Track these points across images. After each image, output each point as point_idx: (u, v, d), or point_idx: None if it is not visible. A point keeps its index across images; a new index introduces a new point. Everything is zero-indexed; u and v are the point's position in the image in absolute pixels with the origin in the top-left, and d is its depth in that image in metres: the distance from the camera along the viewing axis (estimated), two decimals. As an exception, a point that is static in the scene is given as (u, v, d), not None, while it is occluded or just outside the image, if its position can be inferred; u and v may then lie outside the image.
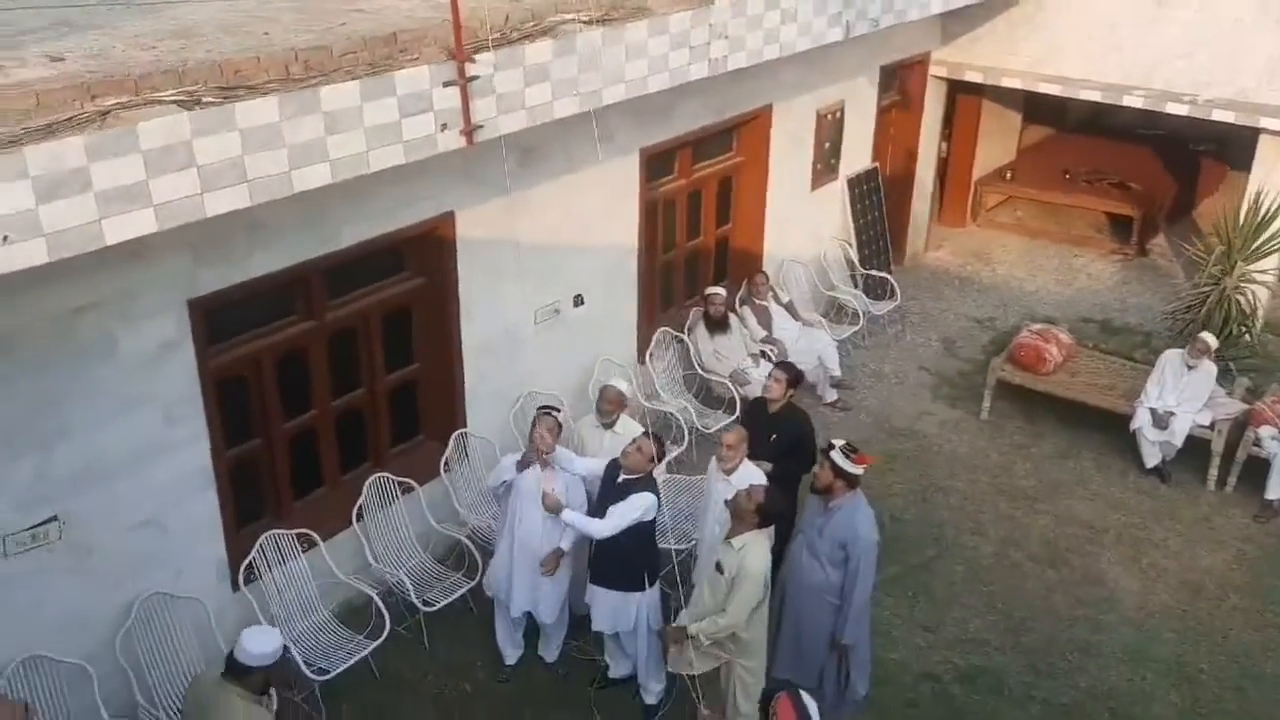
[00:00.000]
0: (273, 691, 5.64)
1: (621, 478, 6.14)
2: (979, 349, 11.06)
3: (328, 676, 6.27)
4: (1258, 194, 10.60)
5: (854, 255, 11.52)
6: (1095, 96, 11.32)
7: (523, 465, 6.34)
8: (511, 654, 6.90)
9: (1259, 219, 10.48)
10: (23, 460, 5.26)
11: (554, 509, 6.14)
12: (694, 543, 7.05)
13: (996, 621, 7.44)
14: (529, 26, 6.00)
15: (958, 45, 12.02)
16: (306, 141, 4.76)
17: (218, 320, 6.01)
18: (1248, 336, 10.40)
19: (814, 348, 9.80)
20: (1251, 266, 10.42)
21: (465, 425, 7.62)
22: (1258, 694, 6.94)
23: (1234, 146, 13.29)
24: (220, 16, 5.62)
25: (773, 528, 5.96)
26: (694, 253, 9.81)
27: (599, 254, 8.29)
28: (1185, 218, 14.49)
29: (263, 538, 6.49)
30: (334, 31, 5.43)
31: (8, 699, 4.63)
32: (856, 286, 11.45)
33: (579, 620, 6.78)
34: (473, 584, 6.98)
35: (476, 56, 5.41)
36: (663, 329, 9.24)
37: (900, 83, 11.99)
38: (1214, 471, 8.85)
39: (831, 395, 9.97)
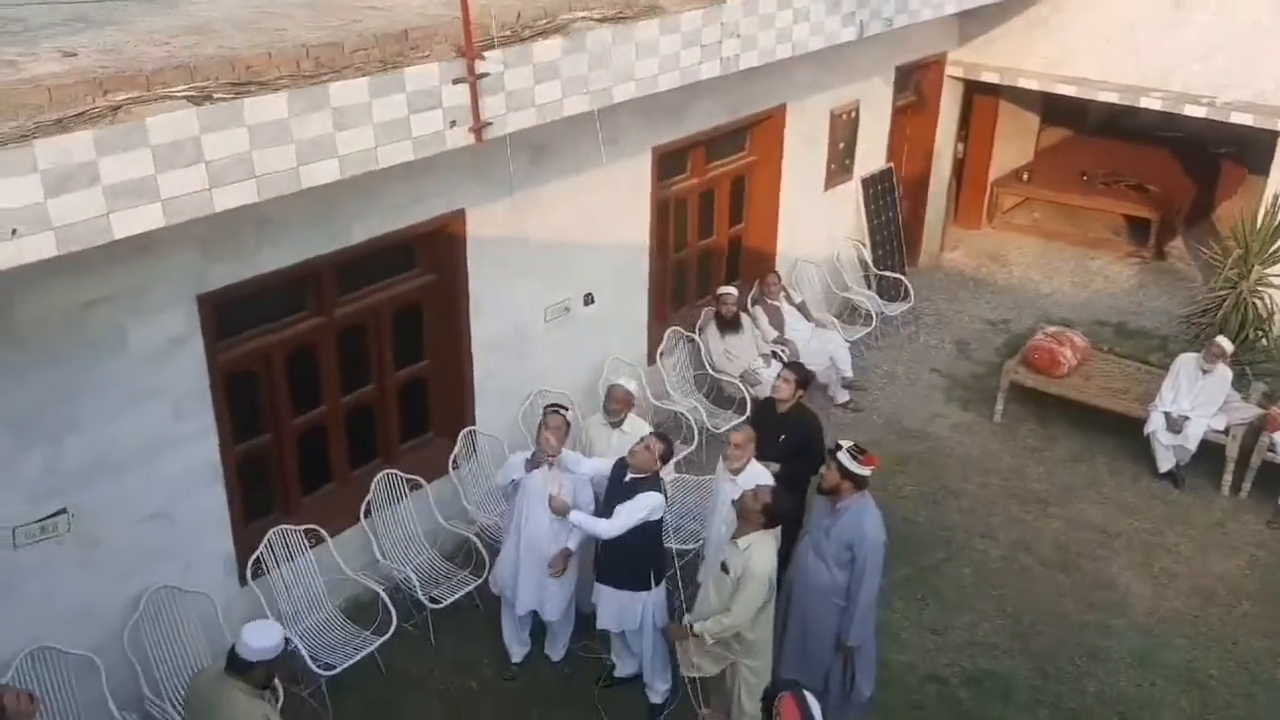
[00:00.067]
0: (278, 685, 5.68)
1: (629, 476, 6.14)
2: (993, 351, 11.01)
3: (334, 672, 6.29)
4: (1275, 197, 10.52)
5: (868, 256, 11.49)
6: (1112, 98, 11.25)
7: (531, 465, 6.35)
8: (517, 652, 6.91)
9: (1277, 223, 10.40)
10: (33, 452, 5.30)
11: (561, 511, 6.14)
12: (701, 543, 7.04)
13: (1005, 625, 7.40)
14: (541, 24, 6.01)
15: (974, 46, 11.97)
16: (315, 137, 4.77)
17: (227, 315, 6.04)
18: (1264, 341, 10.33)
19: (826, 348, 9.78)
20: (1269, 270, 10.36)
21: (474, 423, 7.63)
22: (1268, 701, 6.88)
23: (1254, 150, 13.16)
24: (235, 13, 5.65)
25: (779, 528, 5.96)
26: (706, 252, 9.80)
27: (610, 252, 8.29)
28: (1204, 221, 14.38)
29: (271, 533, 6.51)
30: (347, 28, 5.45)
31: (13, 688, 4.65)
32: (870, 287, 11.41)
33: (585, 619, 6.78)
34: (480, 581, 6.99)
35: (486, 54, 5.41)
36: (674, 328, 9.23)
37: (916, 83, 11.95)
38: (1228, 477, 8.79)
39: (843, 396, 9.94)
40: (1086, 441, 9.45)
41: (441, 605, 6.83)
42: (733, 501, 5.84)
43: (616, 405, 6.98)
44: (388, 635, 6.50)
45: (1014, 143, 14.51)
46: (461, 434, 7.53)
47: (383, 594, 6.62)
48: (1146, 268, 13.28)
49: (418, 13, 5.83)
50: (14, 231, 3.83)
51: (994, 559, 8.04)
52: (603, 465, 6.37)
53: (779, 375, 7.31)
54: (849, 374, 9.91)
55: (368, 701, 6.55)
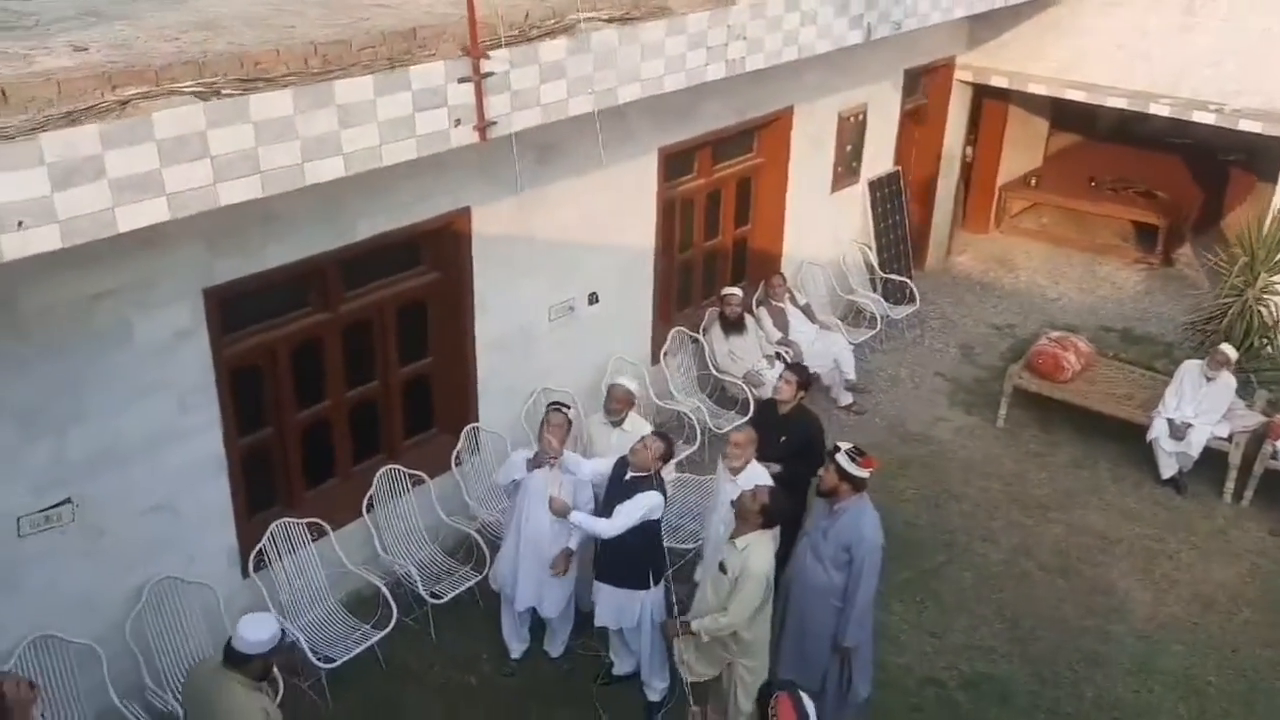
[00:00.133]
0: (278, 675, 5.72)
1: (629, 475, 6.16)
2: (997, 356, 11.01)
3: (334, 665, 6.34)
4: (1282, 205, 10.51)
5: (874, 259, 11.50)
6: (1121, 104, 11.25)
7: (533, 465, 6.38)
8: (517, 648, 6.94)
9: (1283, 231, 10.39)
10: (38, 443, 5.35)
11: (561, 512, 6.16)
12: (701, 542, 7.06)
13: (1004, 629, 7.41)
14: (549, 24, 6.04)
15: (985, 50, 11.97)
16: (320, 134, 4.81)
17: (232, 310, 6.08)
18: (1269, 349, 10.31)
19: (830, 350, 9.79)
20: (1275, 278, 10.34)
21: (477, 420, 7.67)
22: (1266, 709, 6.88)
23: (1263, 157, 13.13)
24: (246, 9, 5.69)
25: (777, 529, 5.98)
26: (712, 253, 9.82)
27: (615, 252, 8.31)
28: (1213, 228, 14.34)
29: (273, 526, 6.56)
30: (356, 26, 5.49)
31: (14, 675, 4.70)
32: (875, 290, 11.43)
33: (585, 616, 6.81)
34: (480, 577, 7.02)
35: (492, 53, 5.44)
36: (678, 328, 9.26)
37: (925, 86, 11.95)
38: (1230, 484, 8.78)
39: (846, 399, 9.95)
40: (1089, 447, 9.45)
41: (442, 600, 6.86)
42: (731, 502, 5.87)
43: (617, 405, 7.01)
44: (388, 629, 6.55)
45: (1023, 147, 14.50)
46: (464, 431, 7.57)
47: (384, 588, 6.66)
48: (1154, 274, 13.26)
49: (426, 11, 5.87)
50: (20, 224, 3.87)
51: (994, 563, 8.05)
52: (603, 466, 6.40)
53: (781, 376, 7.34)
54: (852, 376, 9.92)
55: (367, 695, 6.59)
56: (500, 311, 7.53)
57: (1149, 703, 6.89)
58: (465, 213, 7.02)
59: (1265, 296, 10.28)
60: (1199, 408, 8.84)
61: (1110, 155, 15.05)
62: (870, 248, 11.49)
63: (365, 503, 7.03)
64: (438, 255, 7.19)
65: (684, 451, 8.39)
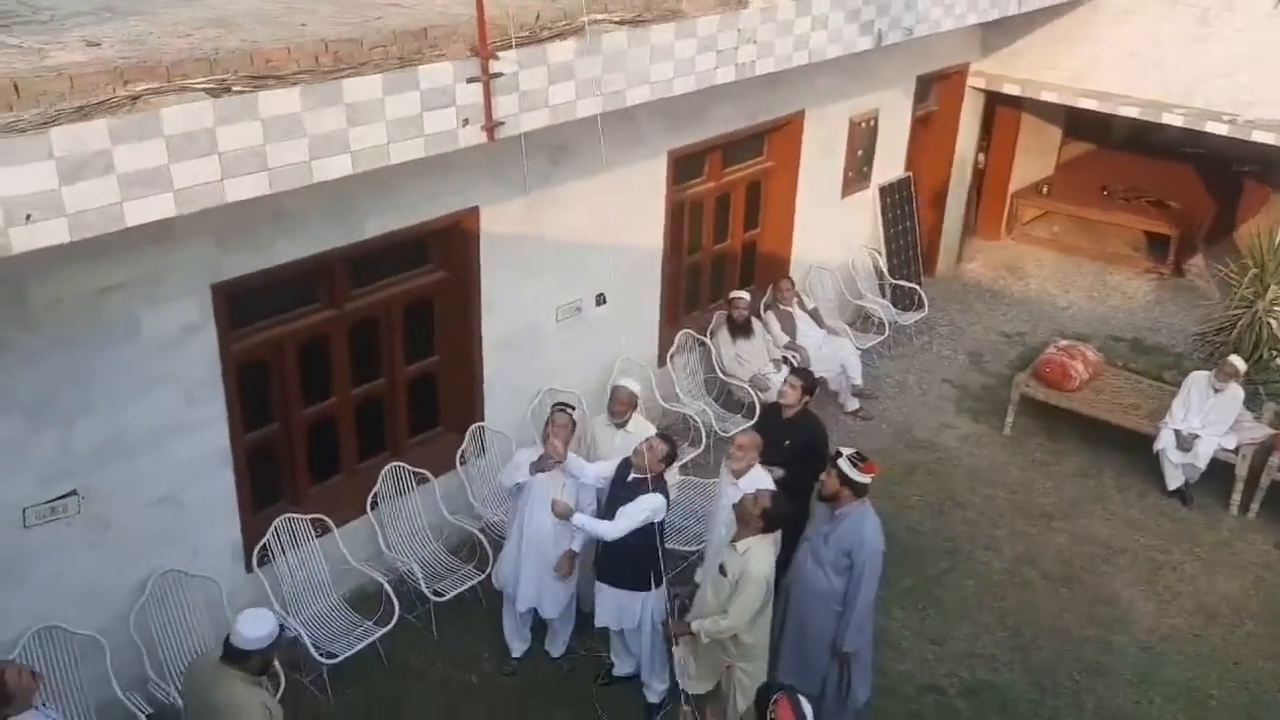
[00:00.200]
0: (279, 669, 5.75)
1: (632, 476, 6.18)
2: (1006, 364, 10.99)
3: (336, 660, 6.37)
4: (1294, 217, 10.48)
5: (883, 264, 11.49)
6: (1134, 113, 11.21)
7: (536, 469, 6.39)
8: (518, 647, 6.96)
9: (1294, 242, 10.36)
10: (45, 434, 5.39)
11: (564, 515, 6.19)
12: (705, 544, 7.07)
13: (1005, 638, 7.40)
14: (560, 25, 6.05)
15: (998, 57, 11.96)
16: (328, 132, 4.84)
17: (240, 305, 6.12)
18: (1278, 361, 10.26)
19: (837, 356, 9.79)
20: (1285, 291, 10.30)
21: (483, 419, 7.69)
22: (1268, 722, 6.87)
23: (1278, 169, 13.11)
24: (260, 7, 5.72)
25: (779, 533, 5.99)
26: (720, 256, 9.83)
27: (623, 254, 8.33)
28: (1225, 239, 14.30)
29: (278, 521, 6.60)
30: (368, 25, 5.52)
31: (15, 664, 4.74)
32: (884, 296, 11.42)
33: (586, 617, 6.82)
34: (483, 576, 7.04)
35: (501, 54, 5.46)
36: (685, 331, 9.27)
37: (937, 93, 11.94)
38: (1237, 496, 8.75)
39: (853, 404, 9.95)
40: (1095, 457, 9.43)
41: (444, 598, 6.89)
42: (733, 505, 5.88)
43: (620, 406, 7.03)
44: (390, 626, 6.58)
45: (1035, 155, 14.47)
46: (470, 430, 7.60)
47: (386, 585, 6.69)
48: (1165, 284, 13.22)
49: (439, 11, 5.89)
50: (28, 217, 3.91)
51: (997, 571, 8.04)
52: (606, 470, 6.41)
53: (785, 381, 7.34)
54: (859, 382, 9.91)
55: (368, 691, 6.62)
56: (507, 311, 7.55)
57: (1150, 714, 6.87)
58: (474, 212, 7.04)
59: (1275, 308, 10.25)
60: (1206, 419, 8.81)
61: (1123, 164, 15.01)
62: (880, 253, 11.48)
63: (370, 500, 7.06)
64: (446, 254, 7.22)
65: (689, 454, 8.40)
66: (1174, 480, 8.89)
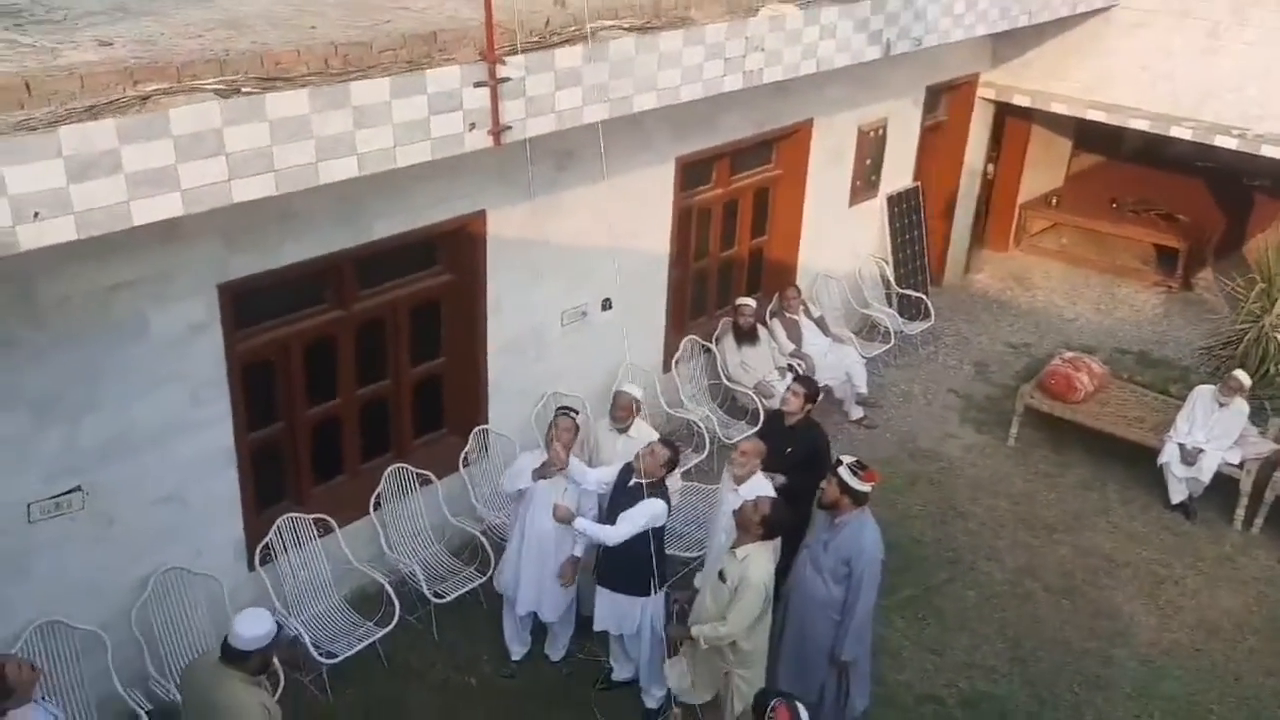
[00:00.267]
0: (278, 668, 5.77)
1: (633, 481, 6.19)
2: (1011, 375, 10.97)
3: (336, 660, 6.39)
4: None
5: (890, 274, 11.50)
6: (1143, 126, 11.20)
7: (538, 475, 6.41)
8: (518, 650, 6.98)
9: (1302, 258, 10.33)
10: (51, 431, 5.42)
11: (565, 520, 6.20)
12: (706, 550, 7.08)
13: (1005, 649, 7.39)
14: (570, 31, 6.09)
15: (1009, 68, 11.96)
16: (335, 134, 4.86)
17: (247, 305, 6.15)
18: (1285, 375, 10.25)
19: (843, 364, 9.80)
20: (1292, 305, 10.27)
21: (487, 421, 7.72)
22: (1268, 738, 6.85)
23: (1288, 183, 13.11)
24: (271, 9, 5.77)
25: (779, 540, 6.00)
26: (727, 263, 9.85)
27: (629, 259, 8.34)
28: (1235, 253, 14.27)
29: (280, 520, 6.63)
30: (377, 28, 5.56)
31: (15, 658, 4.77)
32: (891, 305, 11.42)
33: (586, 621, 6.84)
34: (484, 579, 7.06)
35: (508, 59, 5.49)
36: (690, 337, 9.29)
37: (947, 103, 11.95)
38: (1240, 511, 8.73)
39: (858, 413, 9.95)
40: (1099, 469, 9.41)
41: (445, 600, 6.91)
42: (733, 512, 5.89)
43: (621, 412, 7.06)
44: (391, 627, 6.60)
45: (1045, 166, 14.47)
46: (474, 432, 7.62)
47: (388, 586, 6.71)
48: (1173, 298, 13.20)
49: (449, 16, 5.93)
50: (36, 214, 3.94)
51: (998, 582, 8.03)
52: (607, 475, 6.42)
53: (788, 388, 7.35)
54: (864, 390, 9.92)
55: (368, 691, 6.63)
56: (513, 314, 7.58)
57: (1149, 728, 6.88)
58: (481, 216, 7.08)
59: (1282, 323, 10.23)
60: (1211, 433, 8.80)
61: (1133, 177, 15.00)
62: (887, 262, 11.49)
63: (373, 501, 7.09)
64: (452, 257, 7.25)
65: (693, 460, 8.42)
66: (1177, 494, 8.87)
